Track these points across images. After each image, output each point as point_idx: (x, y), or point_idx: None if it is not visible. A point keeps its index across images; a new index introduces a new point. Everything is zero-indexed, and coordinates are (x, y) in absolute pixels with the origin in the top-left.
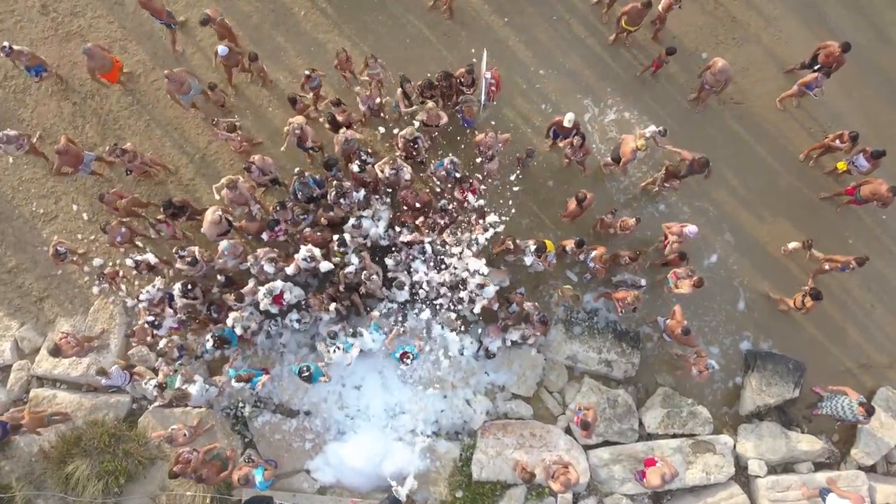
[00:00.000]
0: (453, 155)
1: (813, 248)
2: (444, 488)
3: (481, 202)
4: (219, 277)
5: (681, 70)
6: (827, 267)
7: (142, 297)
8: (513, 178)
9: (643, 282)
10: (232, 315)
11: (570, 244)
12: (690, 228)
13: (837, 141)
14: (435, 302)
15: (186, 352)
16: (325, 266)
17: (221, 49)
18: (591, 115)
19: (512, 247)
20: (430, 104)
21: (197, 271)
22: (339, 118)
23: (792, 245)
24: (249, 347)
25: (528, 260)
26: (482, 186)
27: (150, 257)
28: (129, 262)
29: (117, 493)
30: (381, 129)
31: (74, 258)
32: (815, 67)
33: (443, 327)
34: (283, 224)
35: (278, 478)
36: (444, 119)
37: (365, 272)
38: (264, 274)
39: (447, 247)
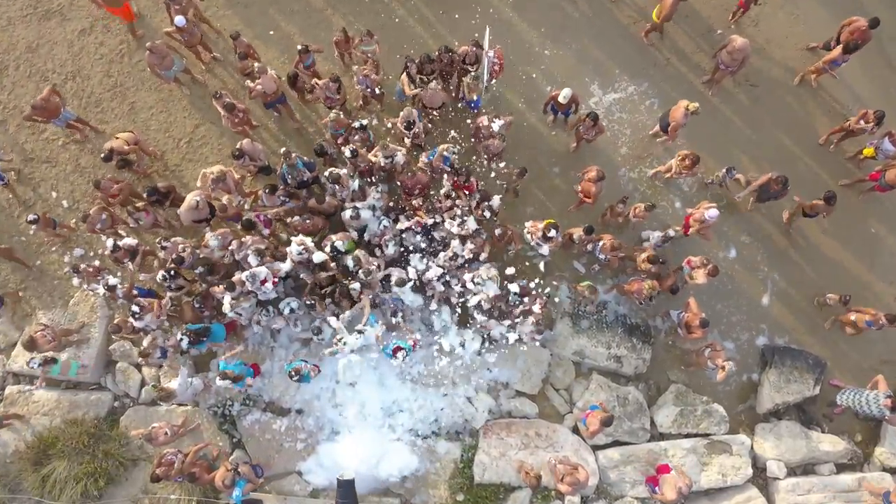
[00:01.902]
0: (452, 139)
1: (848, 304)
2: (445, 491)
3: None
4: (199, 268)
5: (695, 50)
6: (853, 318)
7: (111, 281)
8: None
9: (672, 231)
10: (227, 300)
11: (578, 232)
12: (711, 213)
13: (862, 121)
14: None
15: (172, 347)
16: (318, 257)
17: (178, 20)
18: (597, 98)
19: (509, 234)
20: (433, 84)
21: (186, 266)
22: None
23: (830, 297)
24: (239, 342)
25: (544, 250)
26: (479, 182)
27: (130, 240)
28: (108, 242)
29: (96, 496)
30: (375, 120)
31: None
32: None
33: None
34: (263, 217)
35: (267, 480)
36: (443, 98)
37: (361, 272)
38: (247, 263)
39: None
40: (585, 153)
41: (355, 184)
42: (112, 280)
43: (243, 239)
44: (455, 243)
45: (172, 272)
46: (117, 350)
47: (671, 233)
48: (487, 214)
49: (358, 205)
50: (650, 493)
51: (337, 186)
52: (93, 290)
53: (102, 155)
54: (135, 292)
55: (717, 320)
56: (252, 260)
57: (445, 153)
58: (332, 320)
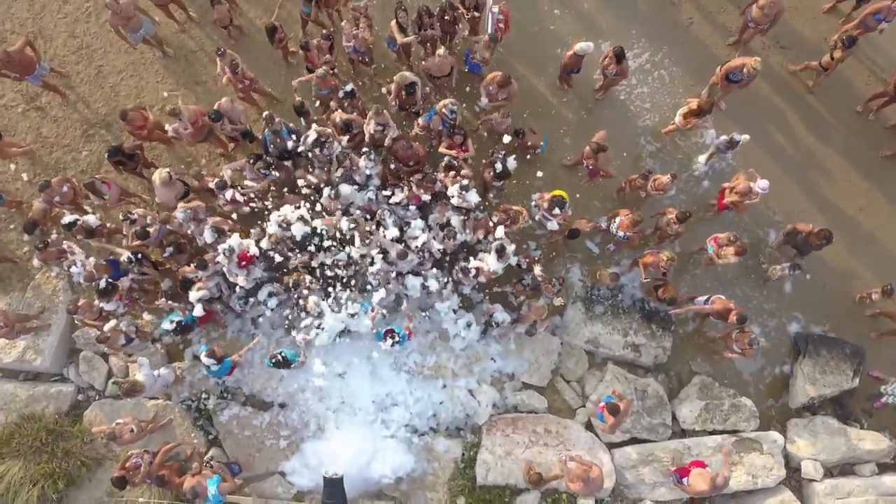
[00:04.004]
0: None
1: (893, 294)
2: (444, 494)
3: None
4: (168, 248)
5: (718, 10)
6: None
7: (76, 265)
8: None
9: (737, 136)
10: (194, 293)
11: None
12: (761, 183)
13: None
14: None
15: (139, 335)
16: (297, 229)
17: None
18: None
19: (506, 217)
20: (441, 51)
21: (152, 243)
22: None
23: (874, 292)
24: (217, 330)
25: (552, 226)
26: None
27: (91, 219)
28: (65, 220)
29: (56, 498)
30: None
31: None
32: None
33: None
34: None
35: (247, 481)
36: (452, 63)
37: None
38: (204, 241)
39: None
40: (599, 124)
41: (338, 147)
42: (92, 220)
43: (205, 219)
44: (455, 220)
45: (139, 255)
46: (81, 337)
47: (737, 136)
48: (499, 167)
49: (339, 174)
50: (675, 483)
51: (322, 150)
52: (68, 257)
53: None
54: (103, 262)
55: (745, 304)
56: (208, 236)
57: (444, 110)
58: (312, 299)
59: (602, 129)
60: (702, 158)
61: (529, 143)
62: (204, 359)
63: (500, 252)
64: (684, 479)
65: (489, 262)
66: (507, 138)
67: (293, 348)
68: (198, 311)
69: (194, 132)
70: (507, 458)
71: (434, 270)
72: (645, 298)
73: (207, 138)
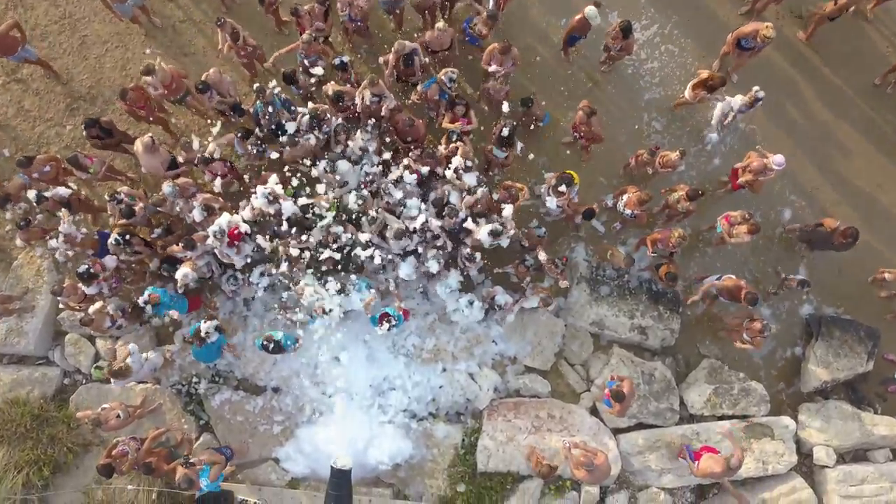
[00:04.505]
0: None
1: None
2: (443, 481)
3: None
4: (157, 230)
5: None
6: None
7: (62, 230)
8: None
9: (760, 93)
10: (181, 272)
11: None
12: (777, 159)
13: None
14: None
15: (128, 317)
16: (287, 207)
17: None
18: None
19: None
20: (440, 24)
21: (139, 222)
22: None
23: (889, 275)
24: (207, 313)
25: (551, 203)
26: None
27: (62, 190)
28: (30, 194)
29: (41, 486)
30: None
31: None
32: None
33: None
34: (223, 165)
35: (240, 468)
36: (451, 35)
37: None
38: (193, 220)
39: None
40: (606, 98)
41: (337, 120)
42: (63, 191)
43: (195, 196)
44: (454, 196)
45: (126, 237)
46: (67, 319)
47: (760, 94)
48: (506, 132)
49: (338, 150)
50: (686, 457)
51: (323, 128)
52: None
53: None
54: (95, 237)
55: (756, 286)
56: (197, 214)
57: (444, 77)
58: (307, 280)
59: (602, 102)
60: (714, 122)
61: (537, 113)
62: (204, 326)
63: (497, 234)
64: (696, 462)
65: (481, 233)
66: (505, 106)
67: (288, 332)
68: (181, 283)
69: (167, 93)
70: (508, 444)
71: (433, 251)
72: (652, 279)
73: (181, 102)
